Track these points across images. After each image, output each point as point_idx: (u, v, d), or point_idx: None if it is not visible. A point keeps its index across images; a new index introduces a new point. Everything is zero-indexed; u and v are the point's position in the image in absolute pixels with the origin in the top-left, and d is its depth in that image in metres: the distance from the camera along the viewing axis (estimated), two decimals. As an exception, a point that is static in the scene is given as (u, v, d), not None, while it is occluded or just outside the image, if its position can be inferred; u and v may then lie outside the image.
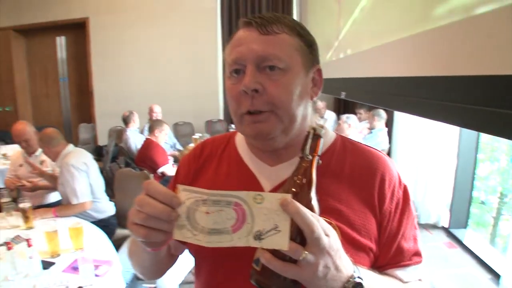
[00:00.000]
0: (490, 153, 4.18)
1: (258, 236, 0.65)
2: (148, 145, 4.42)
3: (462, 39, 1.29)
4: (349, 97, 2.91)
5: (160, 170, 4.24)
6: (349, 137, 1.04)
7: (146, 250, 0.80)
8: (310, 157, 0.71)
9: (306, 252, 0.64)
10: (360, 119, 5.68)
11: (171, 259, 1.06)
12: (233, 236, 0.67)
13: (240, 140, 1.05)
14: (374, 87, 2.08)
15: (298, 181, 0.70)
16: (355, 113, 5.91)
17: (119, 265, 2.13)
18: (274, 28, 0.87)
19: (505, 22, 1.07)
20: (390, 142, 4.85)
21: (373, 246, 0.88)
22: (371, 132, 4.94)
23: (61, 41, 8.54)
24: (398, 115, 4.67)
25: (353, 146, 0.98)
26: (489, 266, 3.37)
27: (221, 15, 7.33)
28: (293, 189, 0.70)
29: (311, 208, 0.68)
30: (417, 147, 4.47)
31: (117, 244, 2.76)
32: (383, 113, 4.88)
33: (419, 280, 0.94)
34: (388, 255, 0.90)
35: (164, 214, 0.67)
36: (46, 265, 2.08)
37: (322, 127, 0.74)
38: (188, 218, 0.68)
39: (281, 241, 0.64)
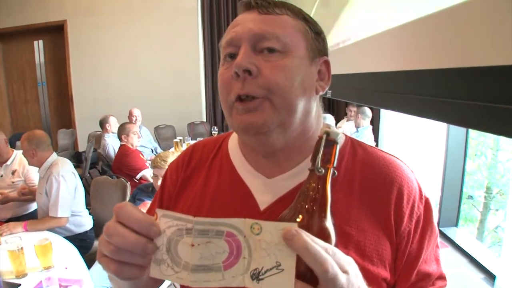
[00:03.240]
0: (476, 148, 4.13)
1: (256, 276, 0.53)
2: (123, 152, 4.27)
3: (448, 29, 1.18)
4: (335, 95, 2.79)
5: (138, 176, 4.08)
6: None
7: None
8: (323, 170, 0.57)
9: None
10: (350, 116, 5.53)
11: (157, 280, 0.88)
12: (225, 274, 0.54)
13: (233, 145, 0.90)
14: (360, 84, 1.96)
15: (307, 204, 0.56)
16: (343, 109, 5.78)
17: (90, 283, 1.98)
18: (275, 10, 0.77)
19: (491, 11, 0.96)
20: (376, 139, 4.77)
21: (387, 274, 0.75)
22: (357, 131, 4.83)
23: (38, 45, 8.31)
24: (384, 113, 4.59)
25: (364, 152, 0.84)
26: (482, 265, 3.29)
27: (201, 14, 7.19)
28: (301, 215, 0.56)
29: (325, 237, 0.55)
30: (404, 144, 4.39)
31: (94, 258, 2.62)
32: (368, 111, 4.80)
33: None
34: (408, 282, 0.78)
35: (138, 247, 0.54)
36: (11, 286, 1.93)
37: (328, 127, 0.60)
38: (169, 251, 0.55)
39: (285, 283, 0.51)
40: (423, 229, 0.78)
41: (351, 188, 0.78)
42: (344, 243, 0.72)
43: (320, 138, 0.59)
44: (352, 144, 0.86)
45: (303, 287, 0.52)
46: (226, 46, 0.77)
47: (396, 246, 0.76)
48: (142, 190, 2.96)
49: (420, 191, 0.81)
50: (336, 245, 0.56)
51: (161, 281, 0.90)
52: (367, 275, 0.60)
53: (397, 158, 0.84)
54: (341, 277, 0.52)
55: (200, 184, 0.89)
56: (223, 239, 0.54)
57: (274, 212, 0.73)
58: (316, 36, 0.79)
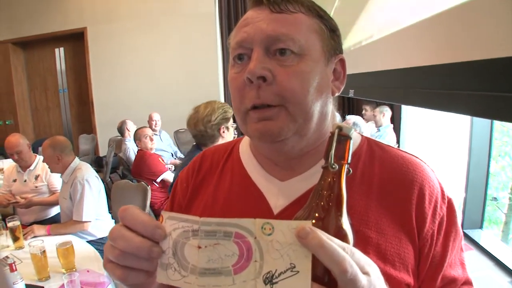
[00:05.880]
0: (499, 149, 4.04)
1: (270, 279, 0.49)
2: (142, 156, 4.28)
3: (472, 21, 1.15)
4: (358, 94, 2.73)
5: (159, 179, 4.09)
6: None
7: None
8: (336, 166, 0.54)
9: None
10: (365, 116, 5.43)
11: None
12: (236, 278, 0.51)
13: (244, 149, 0.87)
14: (384, 82, 1.92)
15: (322, 202, 0.53)
16: (361, 110, 5.65)
17: (112, 287, 1.99)
18: (288, 6, 0.71)
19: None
20: (398, 140, 4.67)
21: (410, 280, 0.70)
22: (378, 130, 4.69)
23: (59, 53, 8.46)
24: (406, 112, 4.49)
25: (382, 151, 0.79)
26: (508, 268, 3.21)
27: (219, 19, 7.19)
28: (316, 214, 0.52)
29: (341, 237, 0.51)
30: (426, 145, 4.31)
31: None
32: (388, 109, 4.68)
33: None
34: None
35: (143, 251, 0.52)
36: (33, 289, 1.95)
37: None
38: (175, 255, 0.52)
39: (301, 286, 0.48)
40: (446, 231, 0.74)
41: (369, 189, 0.74)
42: (364, 246, 0.67)
43: (332, 133, 0.56)
44: (369, 144, 0.81)
45: None
46: (236, 47, 0.73)
47: (419, 250, 0.72)
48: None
49: (442, 191, 0.76)
50: (354, 246, 0.53)
51: None
52: (389, 280, 0.57)
53: (417, 157, 0.80)
54: (361, 278, 0.48)
55: (212, 190, 0.86)
56: (232, 241, 0.51)
57: (288, 216, 0.68)
58: (331, 34, 0.75)
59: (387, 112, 4.65)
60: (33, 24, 7.96)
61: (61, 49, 8.44)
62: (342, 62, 0.79)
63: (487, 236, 3.80)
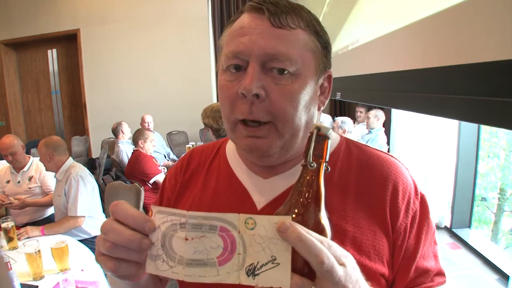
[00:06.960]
0: (488, 149, 4.08)
1: (252, 271, 0.52)
2: (137, 157, 4.29)
3: (452, 27, 1.19)
4: (345, 97, 2.79)
5: (152, 180, 4.12)
6: None
7: (122, 281, 0.66)
8: (315, 164, 0.57)
9: None
10: (359, 118, 5.46)
11: (162, 282, 0.86)
12: (220, 269, 0.54)
13: (230, 149, 0.91)
14: (369, 85, 1.97)
15: (301, 198, 0.56)
16: (354, 112, 5.68)
17: (106, 286, 2.01)
18: (289, 21, 0.72)
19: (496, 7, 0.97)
20: (388, 142, 4.70)
21: (385, 270, 0.75)
22: (370, 132, 4.73)
23: (52, 54, 8.42)
24: (396, 114, 4.54)
25: (359, 151, 0.84)
26: (496, 266, 3.25)
27: (212, 22, 7.20)
28: (296, 209, 0.55)
29: (320, 231, 0.55)
30: (415, 146, 4.35)
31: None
32: (382, 113, 4.71)
33: None
34: (406, 278, 0.77)
35: (134, 243, 0.55)
36: (28, 288, 1.97)
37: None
38: (164, 247, 0.55)
39: (281, 277, 0.51)
40: (419, 225, 0.78)
41: (346, 186, 0.78)
42: (341, 239, 0.72)
43: (311, 134, 0.58)
44: (347, 144, 0.86)
45: (300, 281, 0.51)
46: (231, 56, 0.73)
47: (393, 242, 0.76)
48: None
49: (416, 187, 0.81)
50: (332, 240, 0.56)
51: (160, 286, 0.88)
52: (365, 271, 0.60)
53: (392, 156, 0.84)
54: (337, 269, 0.51)
55: (199, 187, 0.89)
56: (217, 234, 0.54)
57: (271, 211, 0.72)
58: (324, 52, 0.77)
59: (381, 116, 4.69)
60: (26, 25, 7.93)
61: (54, 50, 8.41)
62: (329, 77, 0.81)
63: (475, 235, 3.85)
